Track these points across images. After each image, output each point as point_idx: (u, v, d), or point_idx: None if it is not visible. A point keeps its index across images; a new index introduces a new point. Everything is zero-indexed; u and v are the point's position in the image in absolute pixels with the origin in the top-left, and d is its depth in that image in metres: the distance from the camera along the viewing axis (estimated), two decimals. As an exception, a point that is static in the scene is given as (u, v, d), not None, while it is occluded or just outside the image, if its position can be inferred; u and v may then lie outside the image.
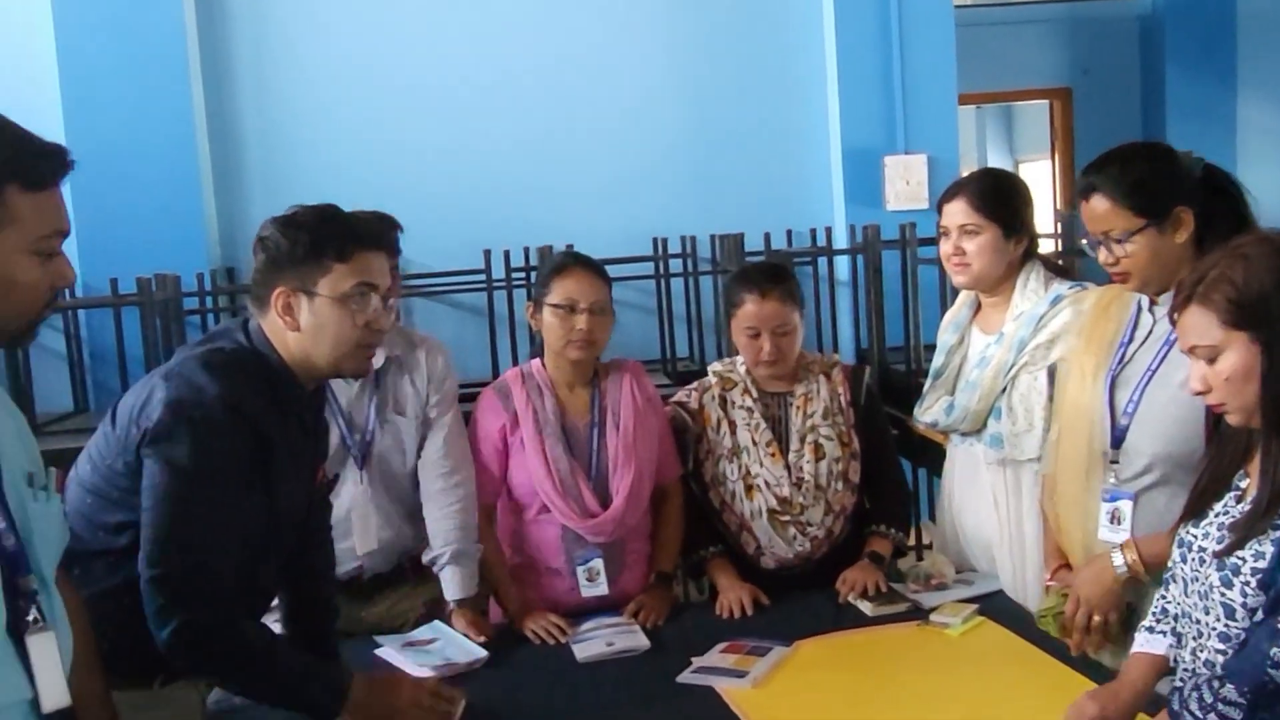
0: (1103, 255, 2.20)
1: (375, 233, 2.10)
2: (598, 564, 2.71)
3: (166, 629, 1.89)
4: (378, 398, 2.75)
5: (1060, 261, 2.86)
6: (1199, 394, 1.76)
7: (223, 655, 1.95)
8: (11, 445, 1.56)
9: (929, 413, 2.84)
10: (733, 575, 2.77)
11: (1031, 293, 2.69)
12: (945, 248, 2.73)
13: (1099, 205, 2.18)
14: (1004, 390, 2.68)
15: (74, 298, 5.22)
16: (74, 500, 2.00)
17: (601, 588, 2.71)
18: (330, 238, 2.02)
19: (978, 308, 2.84)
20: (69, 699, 1.56)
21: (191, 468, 1.89)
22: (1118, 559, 2.17)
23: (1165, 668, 1.89)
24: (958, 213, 2.69)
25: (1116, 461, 2.24)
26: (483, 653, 2.48)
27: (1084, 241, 2.28)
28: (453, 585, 2.68)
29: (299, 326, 2.02)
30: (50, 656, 1.53)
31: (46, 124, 5.30)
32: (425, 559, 2.74)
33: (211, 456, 1.90)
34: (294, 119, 5.65)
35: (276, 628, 2.36)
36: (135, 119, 5.29)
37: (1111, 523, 2.25)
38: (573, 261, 2.76)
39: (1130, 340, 2.28)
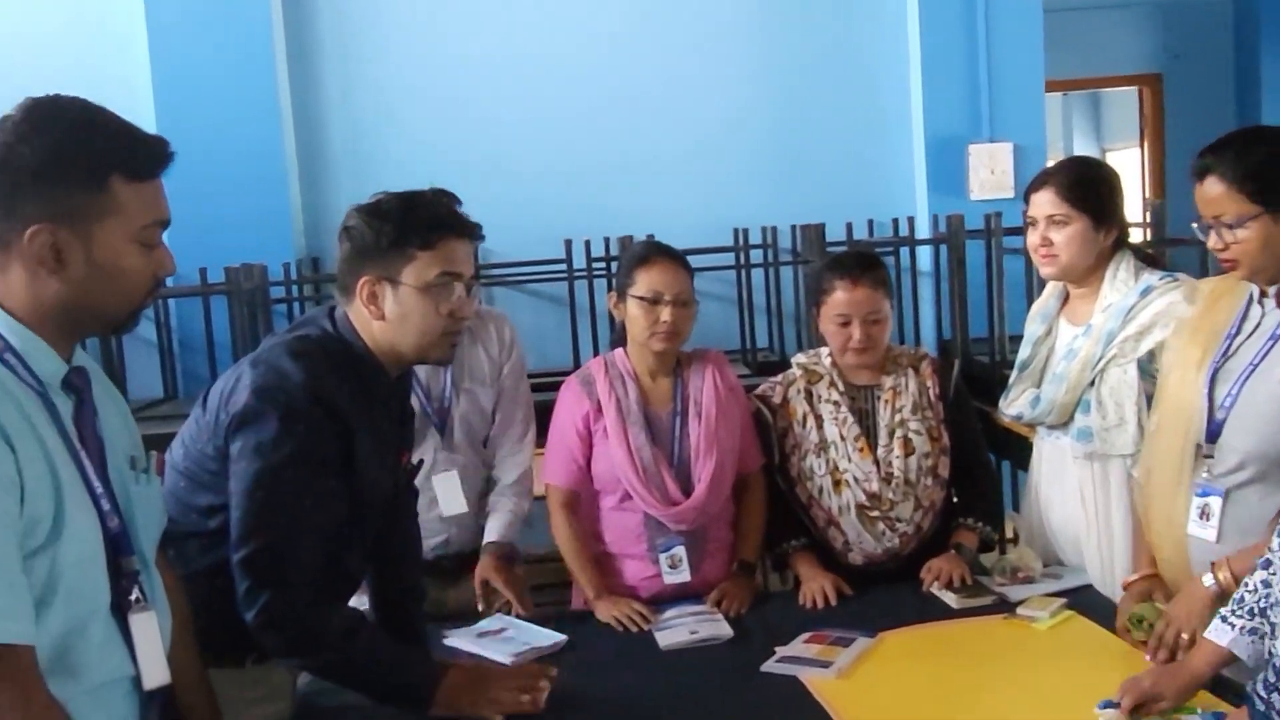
0: (1212, 240, 2.14)
1: (459, 220, 2.11)
2: (680, 551, 2.71)
3: (254, 610, 1.93)
4: (453, 368, 2.81)
5: (1150, 251, 2.80)
6: None
7: (308, 638, 1.98)
8: (115, 429, 1.61)
9: (1014, 405, 2.80)
10: (816, 566, 2.76)
11: (1121, 283, 2.64)
12: (1033, 238, 2.68)
13: (1212, 189, 2.12)
14: (1092, 383, 2.63)
15: (165, 286, 5.31)
16: (168, 483, 2.05)
17: (684, 574, 2.71)
18: (414, 226, 2.04)
19: (1066, 298, 2.79)
20: (169, 676, 1.61)
21: (277, 452, 1.93)
22: (1208, 579, 2.12)
23: (1229, 658, 1.88)
24: (1045, 203, 2.64)
25: (1210, 456, 2.19)
26: (561, 637, 2.50)
27: (1195, 225, 2.22)
28: (491, 529, 2.81)
29: (384, 316, 2.04)
30: (151, 635, 1.57)
31: (139, 117, 5.41)
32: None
33: (296, 441, 1.93)
34: (378, 110, 5.71)
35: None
36: (223, 112, 5.37)
37: (1200, 518, 2.20)
38: (656, 252, 2.76)
39: (1236, 332, 2.22)
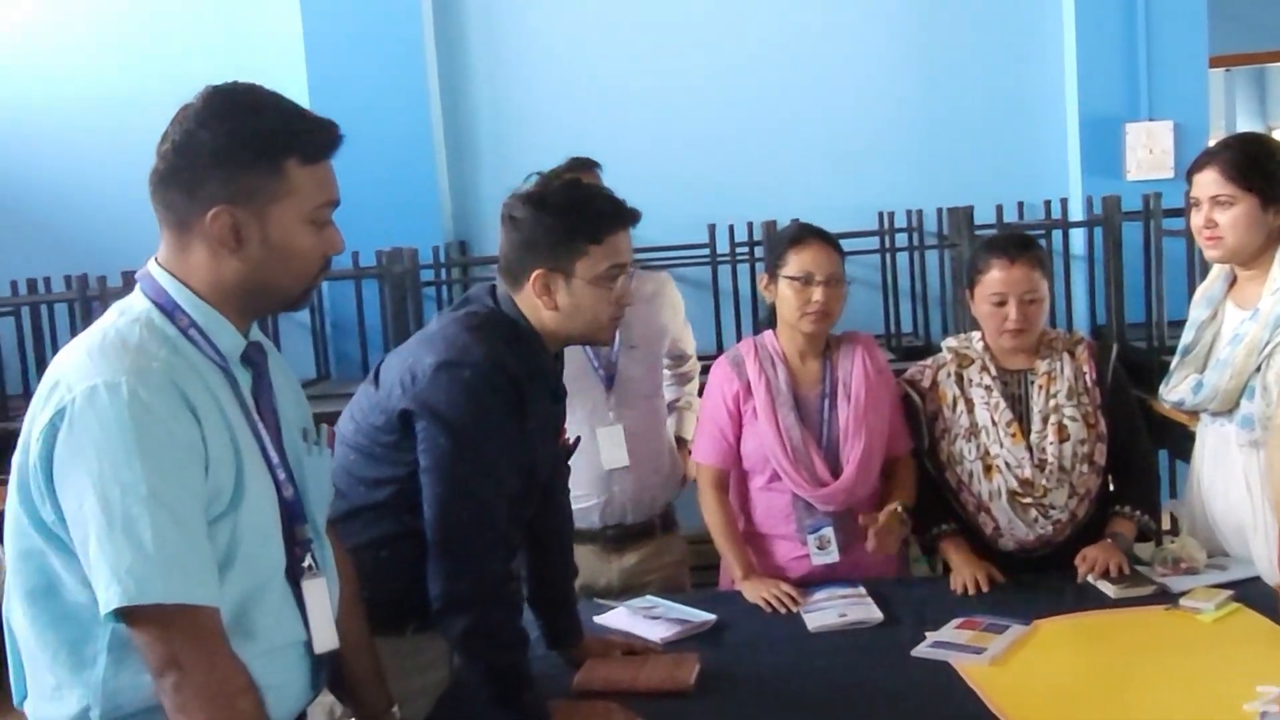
0: None
1: (625, 210, 2.14)
2: (828, 532, 2.71)
3: (447, 599, 1.97)
4: (621, 327, 2.83)
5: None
6: None
7: (487, 629, 1.99)
8: (288, 402, 1.68)
9: (1175, 392, 2.71)
10: (967, 552, 2.71)
11: None
12: (1196, 220, 2.59)
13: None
14: (1258, 369, 2.53)
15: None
16: (337, 457, 2.11)
17: (832, 555, 2.71)
18: (584, 222, 2.06)
19: (1233, 281, 2.69)
20: (337, 641, 1.66)
21: (468, 426, 1.96)
22: None
23: None
24: (1209, 183, 2.55)
25: None
26: (710, 616, 2.51)
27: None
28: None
29: (557, 306, 2.08)
30: (322, 601, 1.64)
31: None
32: None
33: (486, 414, 1.98)
34: (524, 96, 5.78)
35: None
36: (375, 101, 5.50)
37: None
38: (808, 233, 2.75)
39: None
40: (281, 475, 1.59)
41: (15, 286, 5.31)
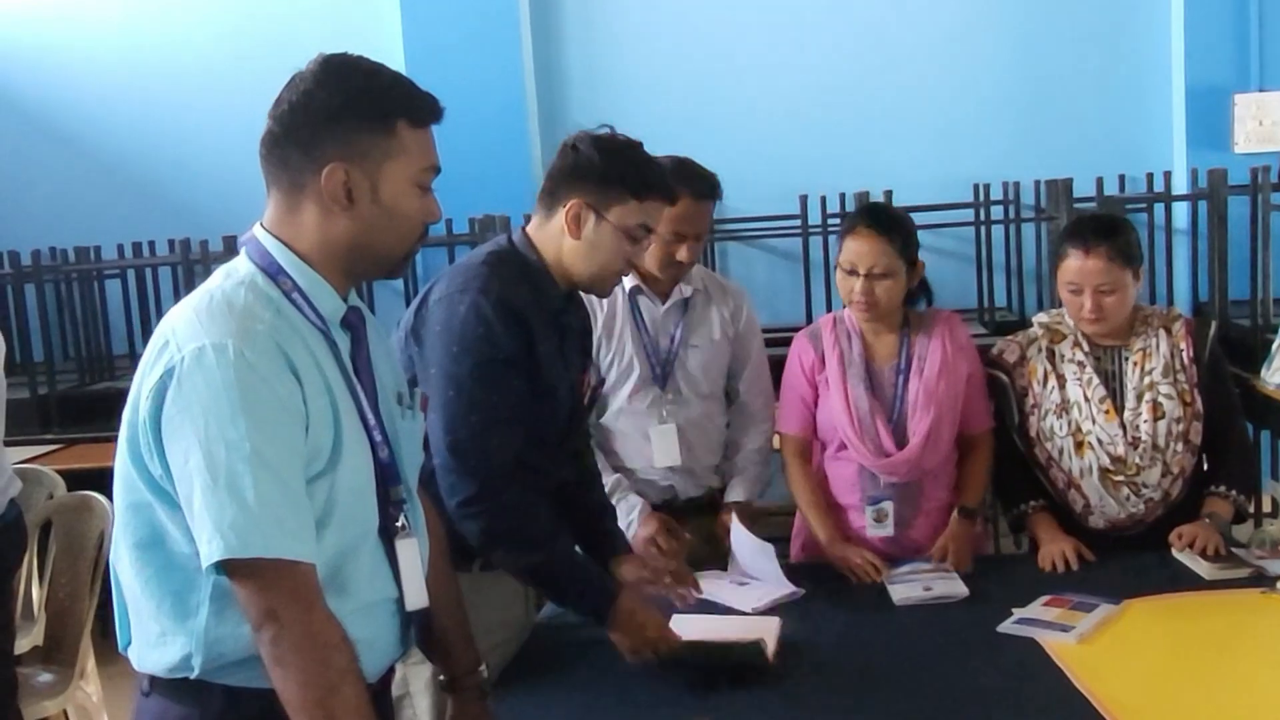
0: None
1: (671, 187, 2.27)
2: (887, 506, 2.71)
3: (457, 499, 2.07)
4: (684, 322, 2.89)
5: None
6: None
7: (509, 531, 2.11)
8: (384, 367, 1.72)
9: (1279, 373, 2.64)
10: (1055, 529, 2.68)
11: None
12: None
13: None
14: None
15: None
16: None
17: (888, 529, 2.71)
18: (636, 174, 2.16)
19: None
20: (427, 600, 1.70)
21: (466, 353, 2.07)
22: None
23: None
24: None
25: None
26: (797, 588, 2.51)
27: None
28: (736, 489, 2.93)
29: (579, 237, 2.16)
30: (414, 561, 1.68)
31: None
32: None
33: (483, 342, 2.08)
34: (616, 68, 5.80)
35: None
36: (469, 68, 5.57)
37: None
38: (861, 221, 2.70)
39: None
40: (378, 437, 1.63)
41: (121, 249, 5.48)
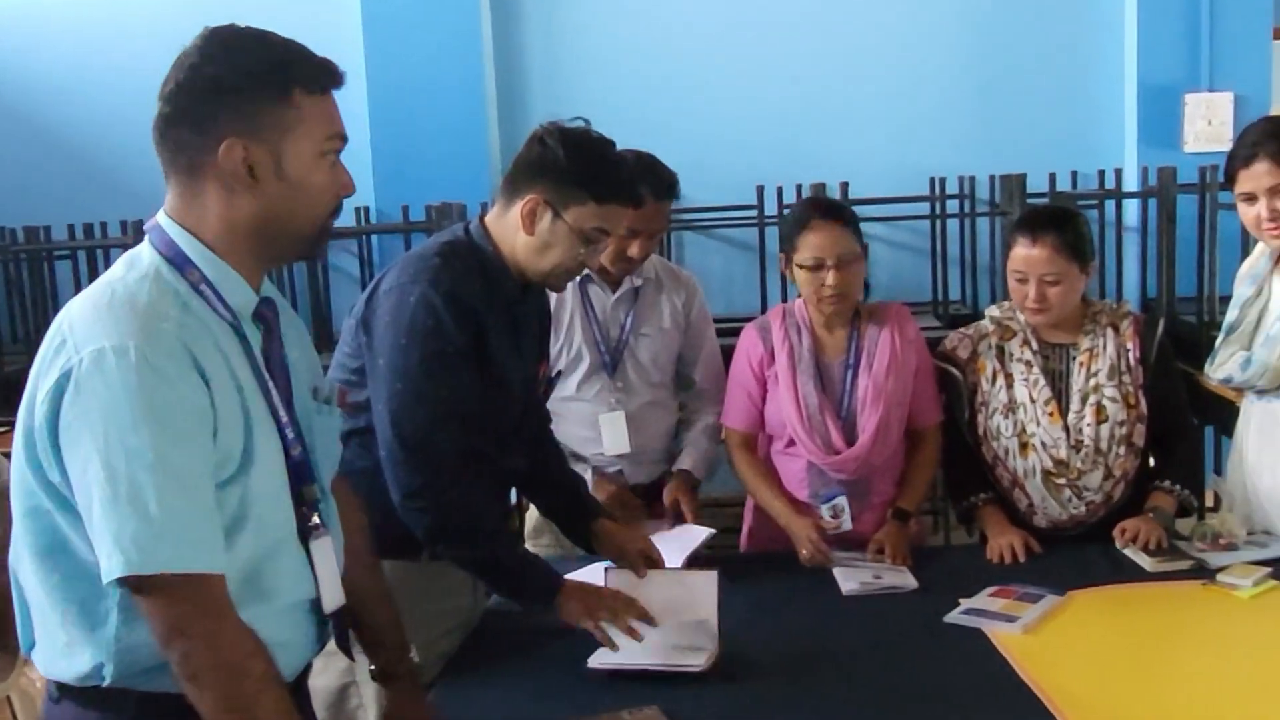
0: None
1: (637, 194, 2.26)
2: (841, 502, 2.72)
3: (403, 492, 2.05)
4: (634, 311, 2.90)
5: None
6: None
7: (454, 526, 2.09)
8: (298, 359, 1.67)
9: (1222, 369, 2.68)
10: (1004, 521, 2.71)
11: None
12: (1252, 212, 2.54)
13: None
14: None
15: (368, 224, 5.55)
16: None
17: (845, 524, 2.73)
18: (599, 177, 2.13)
19: (1279, 257, 2.65)
20: (344, 598, 1.68)
21: (414, 346, 2.04)
22: None
23: None
24: (1264, 174, 2.49)
25: None
26: (710, 530, 2.61)
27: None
28: (683, 459, 2.94)
29: (533, 233, 2.13)
30: (329, 560, 1.64)
31: (348, 61, 5.60)
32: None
33: (431, 335, 2.05)
34: (576, 54, 5.77)
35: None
36: (428, 56, 5.52)
37: None
38: (815, 214, 2.71)
39: None
40: (290, 435, 1.57)
41: (72, 230, 5.40)
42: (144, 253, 1.53)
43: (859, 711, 1.96)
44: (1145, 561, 2.52)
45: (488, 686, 2.11)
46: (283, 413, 1.56)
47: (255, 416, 1.50)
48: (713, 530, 2.70)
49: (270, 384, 1.56)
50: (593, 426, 2.88)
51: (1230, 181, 2.59)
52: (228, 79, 1.48)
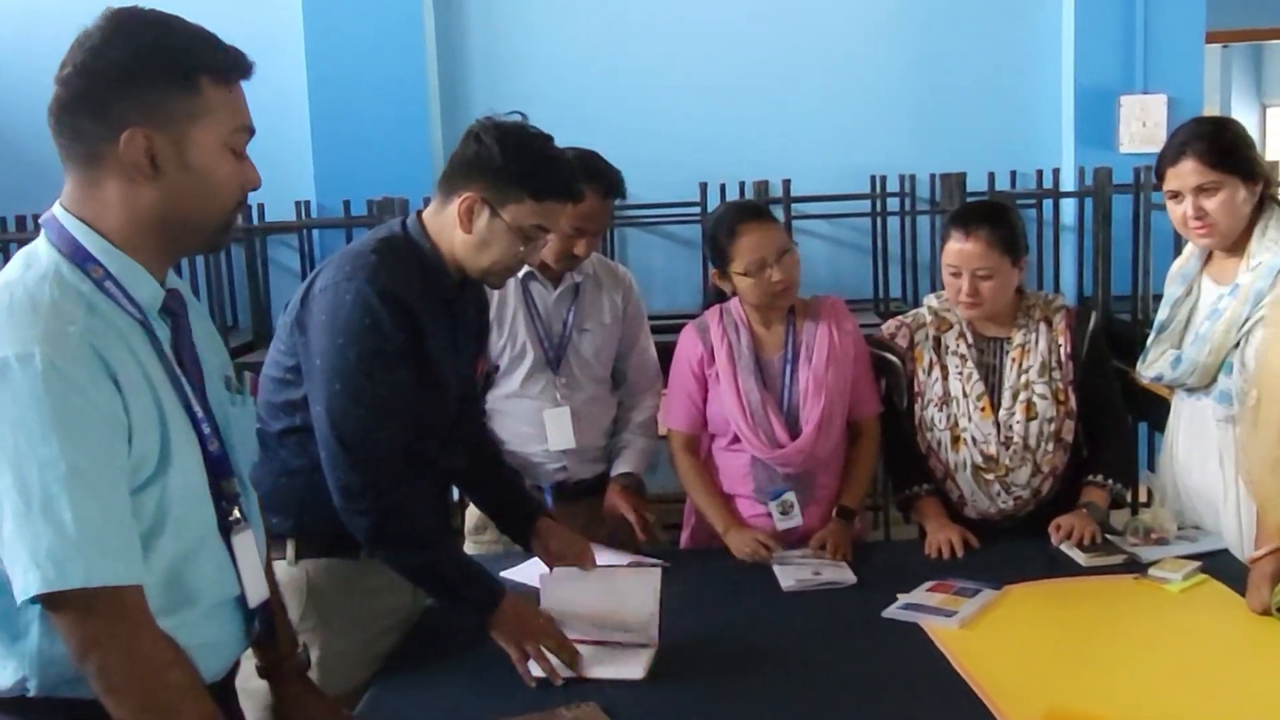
0: None
1: (576, 189, 2.22)
2: (791, 497, 2.74)
3: (342, 494, 2.02)
4: (576, 307, 2.89)
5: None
6: None
7: (394, 529, 2.06)
8: (208, 351, 1.63)
9: (1153, 367, 2.72)
10: (942, 516, 2.74)
11: (1271, 242, 2.52)
12: (1179, 211, 2.57)
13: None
14: (1236, 345, 2.54)
15: (308, 218, 5.50)
16: (260, 389, 2.16)
17: (795, 520, 2.74)
18: (537, 174, 2.10)
19: (1208, 257, 2.69)
20: (267, 592, 1.66)
21: (350, 345, 2.00)
22: None
23: None
24: (1190, 173, 2.52)
25: None
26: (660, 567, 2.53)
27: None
28: (621, 462, 2.93)
29: (470, 231, 2.11)
30: (251, 554, 1.62)
31: (288, 54, 5.57)
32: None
33: (368, 334, 2.01)
34: (519, 49, 5.76)
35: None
36: (370, 49, 5.49)
37: None
38: (742, 218, 2.72)
39: None
40: (206, 429, 1.53)
41: (4, 223, 5.30)
42: (41, 249, 1.46)
43: (797, 707, 1.96)
44: (1079, 556, 2.55)
45: (427, 685, 2.09)
46: (197, 408, 1.52)
47: (170, 415, 1.46)
48: (665, 565, 2.54)
49: (183, 379, 1.52)
50: (536, 424, 2.87)
51: (1160, 180, 2.62)
52: (132, 65, 1.42)
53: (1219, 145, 2.52)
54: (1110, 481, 2.74)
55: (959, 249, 2.67)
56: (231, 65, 1.49)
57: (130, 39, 1.43)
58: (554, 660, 2.05)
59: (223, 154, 1.49)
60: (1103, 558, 2.53)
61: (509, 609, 2.10)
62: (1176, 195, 2.56)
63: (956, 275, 2.69)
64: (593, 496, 2.94)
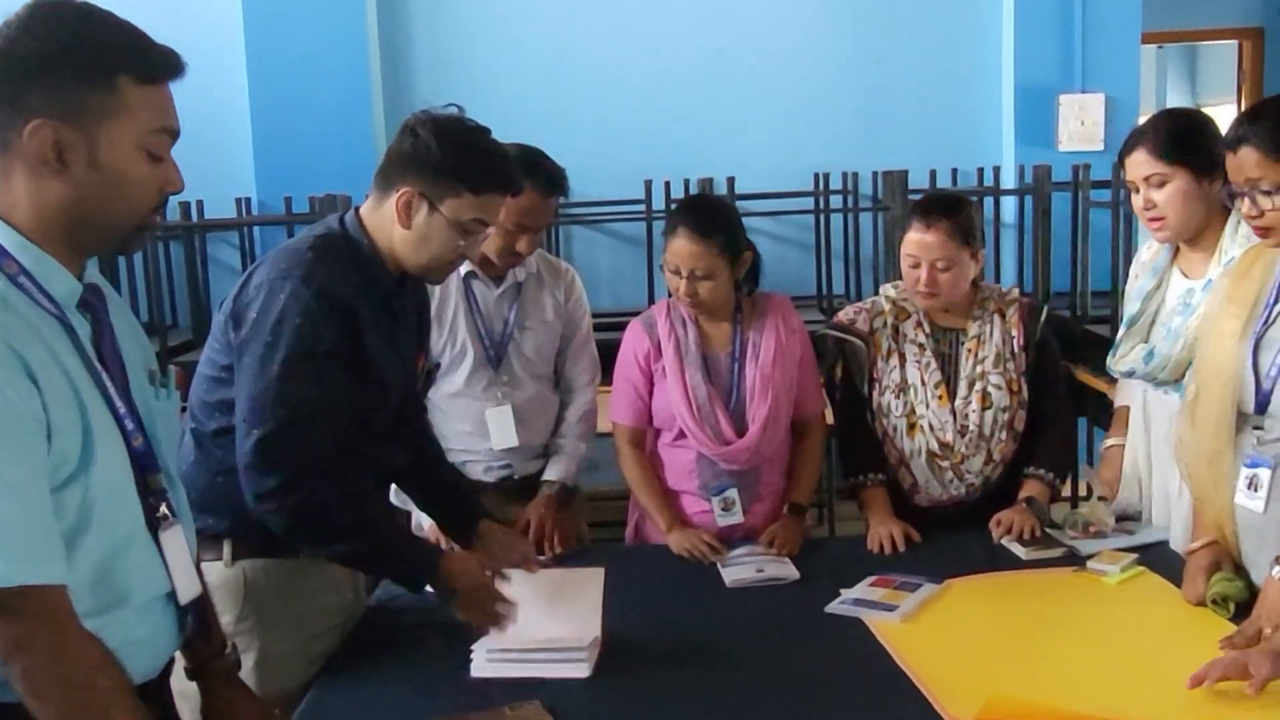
0: (1246, 207, 2.09)
1: (515, 181, 2.19)
2: (733, 494, 2.74)
3: (258, 490, 1.98)
4: (518, 306, 2.88)
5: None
6: None
7: (315, 526, 2.03)
8: (130, 345, 1.60)
9: (1125, 361, 2.71)
10: (886, 509, 2.76)
11: (1243, 238, 2.49)
12: (1136, 203, 2.59)
13: (1248, 157, 2.05)
14: None
15: (249, 215, 5.44)
16: (194, 388, 2.12)
17: (736, 516, 2.75)
18: (474, 167, 2.08)
19: (1177, 250, 2.70)
20: (200, 588, 1.64)
21: (283, 343, 1.97)
22: (1277, 570, 2.06)
23: None
24: (1140, 164, 2.53)
25: (1260, 427, 2.15)
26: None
27: (1224, 190, 2.18)
28: (550, 469, 2.90)
29: (409, 227, 2.08)
30: (181, 550, 1.59)
31: (229, 50, 5.49)
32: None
33: (302, 332, 1.98)
34: (463, 46, 5.73)
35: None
36: (311, 46, 5.44)
37: (1249, 489, 2.16)
38: (681, 221, 2.70)
39: (1276, 300, 2.17)
40: (130, 425, 1.51)
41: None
42: None
43: (740, 702, 1.97)
44: (1020, 551, 2.58)
45: (368, 685, 2.07)
46: (120, 403, 1.50)
47: (91, 411, 1.44)
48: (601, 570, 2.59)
49: (104, 375, 1.49)
50: (478, 422, 2.85)
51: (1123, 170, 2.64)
52: (47, 56, 1.39)
53: (1169, 137, 2.51)
54: (1049, 475, 2.77)
55: (919, 240, 2.70)
56: (156, 65, 1.46)
57: (49, 30, 1.40)
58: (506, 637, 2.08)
59: (137, 155, 1.46)
60: (1042, 551, 2.56)
61: (447, 572, 2.10)
62: (1134, 186, 2.58)
63: (915, 266, 2.71)
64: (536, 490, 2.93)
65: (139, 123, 1.45)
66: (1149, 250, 2.77)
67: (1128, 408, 2.79)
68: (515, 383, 2.87)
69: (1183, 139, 2.52)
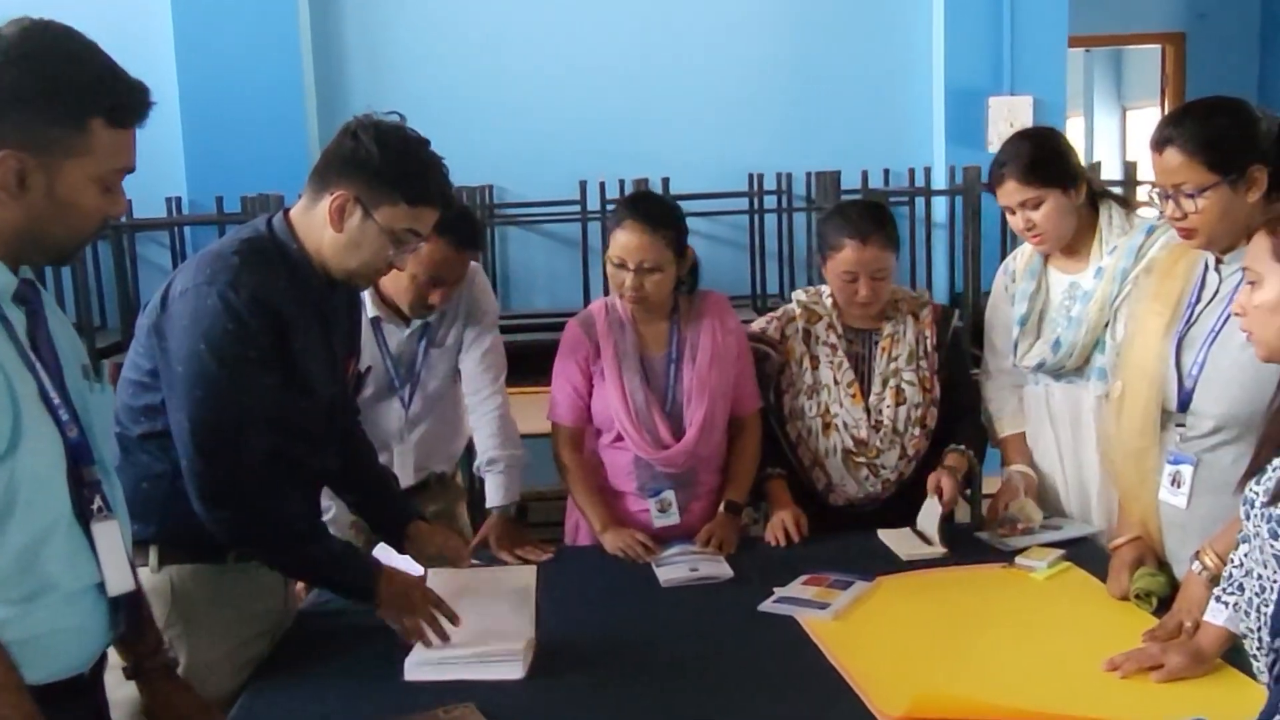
0: (1169, 209, 2.15)
1: (450, 198, 2.17)
2: (669, 495, 2.76)
3: (201, 501, 1.98)
4: (427, 339, 2.83)
5: (1123, 195, 2.83)
6: (1236, 315, 1.86)
7: (258, 530, 2.04)
8: (65, 340, 1.62)
9: (1031, 356, 2.79)
10: (785, 497, 2.80)
11: (1118, 228, 2.68)
12: (1016, 224, 2.71)
13: (1172, 159, 2.12)
14: (1108, 324, 2.65)
15: (180, 214, 5.36)
16: (119, 392, 2.09)
17: (673, 518, 2.76)
18: (414, 181, 2.06)
19: (1047, 255, 2.81)
20: (133, 583, 1.65)
21: (212, 350, 1.95)
22: (1196, 566, 2.11)
23: (1231, 636, 1.90)
24: (1013, 192, 2.66)
25: (1183, 424, 2.21)
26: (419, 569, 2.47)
27: (1152, 193, 2.24)
28: (490, 493, 2.84)
29: (341, 230, 2.05)
30: (114, 543, 1.60)
31: (159, 47, 5.42)
32: (475, 468, 2.91)
33: (230, 338, 1.95)
34: (397, 46, 5.70)
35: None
36: (243, 45, 5.38)
37: (1172, 485, 2.22)
38: (629, 214, 2.68)
39: (1197, 300, 2.23)
40: (64, 416, 1.53)
41: None
42: None
43: (673, 702, 1.98)
44: (901, 550, 2.62)
45: (300, 690, 2.05)
46: (54, 394, 1.52)
47: (23, 398, 1.46)
48: (533, 568, 2.57)
49: (38, 365, 1.52)
50: (384, 445, 2.78)
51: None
52: (25, 91, 1.44)
53: (1034, 164, 2.64)
54: (969, 451, 2.82)
55: (858, 257, 2.72)
56: (129, 111, 1.52)
57: (34, 65, 1.44)
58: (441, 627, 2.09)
59: (91, 189, 1.51)
60: (922, 552, 2.61)
61: (387, 586, 2.11)
62: (1011, 210, 2.69)
63: (853, 280, 2.74)
64: (445, 489, 2.95)
65: (102, 162, 1.50)
66: (1019, 258, 2.91)
67: (1020, 434, 2.86)
68: (422, 413, 2.85)
69: (1047, 163, 2.66)
